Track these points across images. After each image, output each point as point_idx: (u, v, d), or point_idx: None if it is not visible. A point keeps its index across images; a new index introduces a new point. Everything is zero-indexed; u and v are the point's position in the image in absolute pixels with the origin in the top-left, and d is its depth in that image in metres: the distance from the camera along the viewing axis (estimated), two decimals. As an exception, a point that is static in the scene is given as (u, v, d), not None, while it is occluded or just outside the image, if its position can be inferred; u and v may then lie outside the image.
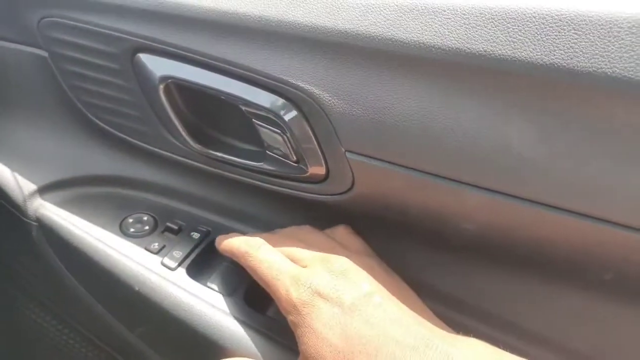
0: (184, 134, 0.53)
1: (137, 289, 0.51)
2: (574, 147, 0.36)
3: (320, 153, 0.47)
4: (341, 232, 0.50)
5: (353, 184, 0.47)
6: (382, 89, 0.41)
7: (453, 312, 0.49)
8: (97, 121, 0.60)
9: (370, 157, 0.44)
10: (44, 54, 0.59)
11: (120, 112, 0.57)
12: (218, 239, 0.52)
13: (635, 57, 0.31)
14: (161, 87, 0.51)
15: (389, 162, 0.43)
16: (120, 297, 0.53)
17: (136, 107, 0.55)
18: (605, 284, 0.43)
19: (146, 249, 0.54)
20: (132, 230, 0.57)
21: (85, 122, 0.62)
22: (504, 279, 0.48)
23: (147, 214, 0.59)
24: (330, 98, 0.43)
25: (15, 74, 0.63)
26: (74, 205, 0.60)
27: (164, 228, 0.57)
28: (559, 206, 0.38)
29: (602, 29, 0.32)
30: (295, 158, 0.48)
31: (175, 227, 0.57)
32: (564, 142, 0.36)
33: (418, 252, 0.51)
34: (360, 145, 0.44)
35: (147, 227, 0.57)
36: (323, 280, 0.41)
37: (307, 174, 0.49)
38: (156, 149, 0.58)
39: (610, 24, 0.32)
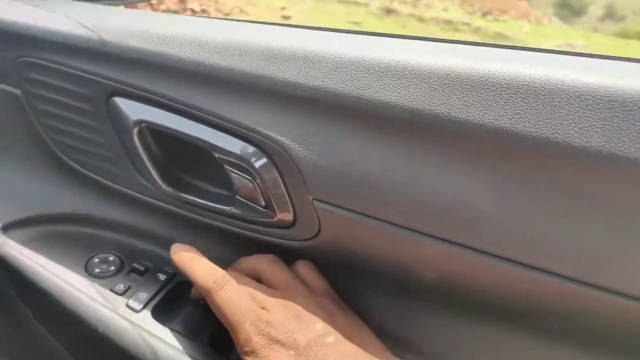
0: (155, 176, 0.54)
1: (101, 331, 0.50)
2: (523, 204, 0.39)
3: (288, 200, 0.49)
4: (303, 268, 0.52)
5: (319, 230, 0.49)
6: (349, 142, 0.44)
7: (412, 355, 0.51)
8: (67, 160, 0.60)
9: (337, 205, 0.46)
10: (17, 91, 0.60)
11: (92, 153, 0.58)
12: (178, 255, 0.50)
13: (573, 124, 0.35)
14: (135, 130, 0.52)
15: (355, 212, 0.46)
16: (84, 339, 0.53)
17: (108, 148, 0.56)
18: (554, 332, 0.45)
19: (111, 290, 0.54)
20: (97, 270, 0.56)
21: (55, 160, 0.62)
22: (462, 326, 0.50)
23: (113, 254, 0.59)
24: (299, 148, 0.45)
25: None
26: (39, 243, 0.59)
27: (129, 269, 0.57)
28: (510, 258, 0.41)
29: (545, 97, 0.36)
30: (264, 203, 0.50)
31: (142, 268, 0.57)
32: (514, 199, 0.39)
33: (380, 297, 0.53)
34: (327, 194, 0.46)
35: (112, 268, 0.57)
36: (280, 325, 0.44)
37: (275, 219, 0.50)
38: (126, 190, 0.58)
39: (552, 93, 0.36)
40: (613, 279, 0.38)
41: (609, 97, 0.34)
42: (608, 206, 0.37)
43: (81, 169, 0.61)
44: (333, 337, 0.43)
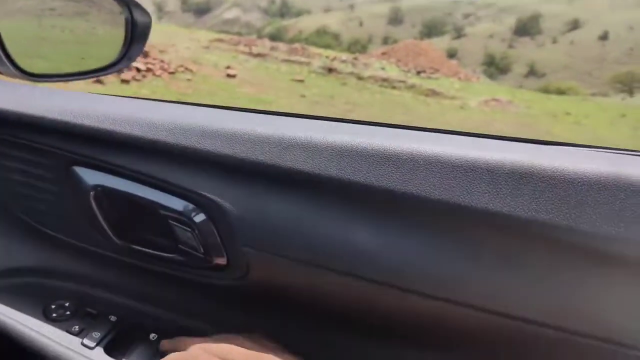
0: (108, 231, 0.64)
1: None
2: (402, 242, 0.52)
3: (222, 247, 0.60)
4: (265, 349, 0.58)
5: (248, 271, 0.60)
6: (270, 200, 0.56)
7: None
8: (28, 219, 0.69)
9: (261, 250, 0.58)
10: None
11: (51, 213, 0.67)
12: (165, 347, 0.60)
13: (489, 195, 0.48)
14: (92, 193, 0.62)
15: (275, 254, 0.58)
16: None
17: (66, 209, 0.66)
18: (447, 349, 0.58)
19: (67, 331, 0.62)
20: (54, 315, 0.64)
21: (15, 220, 0.70)
22: (380, 350, 0.61)
23: (69, 300, 0.67)
24: (230, 205, 0.57)
25: None
26: (0, 295, 0.66)
27: (84, 313, 0.65)
28: (399, 286, 0.54)
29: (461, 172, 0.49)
30: (202, 251, 0.61)
31: (94, 312, 0.65)
32: (408, 245, 0.52)
33: (303, 329, 0.64)
34: (253, 241, 0.58)
35: (68, 312, 0.65)
36: None
37: (212, 263, 0.61)
38: (81, 244, 0.67)
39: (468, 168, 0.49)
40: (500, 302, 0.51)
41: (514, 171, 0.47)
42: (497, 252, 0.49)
43: (40, 227, 0.69)
44: None
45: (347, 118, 0.64)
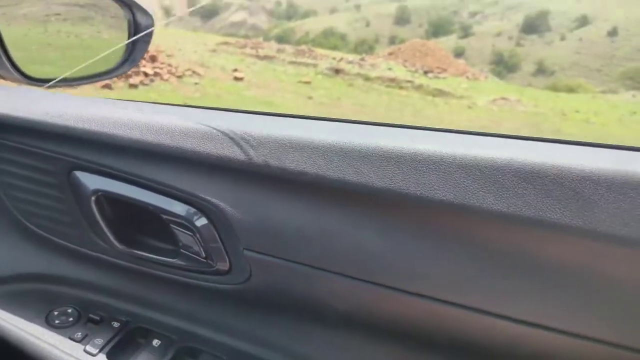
0: (110, 236, 0.64)
1: None
2: (407, 246, 0.51)
3: (224, 251, 0.59)
4: None
5: (250, 275, 0.59)
6: (271, 203, 0.55)
7: None
8: (30, 225, 0.69)
9: (263, 253, 0.57)
10: None
11: (53, 218, 0.67)
12: None
13: (495, 196, 0.47)
14: (93, 198, 0.62)
15: (277, 257, 0.57)
16: None
17: (68, 214, 0.65)
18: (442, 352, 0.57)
19: (70, 338, 0.61)
20: (57, 322, 0.64)
21: (18, 226, 0.70)
22: (384, 353, 0.60)
23: (71, 306, 0.66)
24: (231, 209, 0.57)
25: None
26: (2, 300, 0.66)
27: (86, 319, 0.65)
28: (397, 287, 0.53)
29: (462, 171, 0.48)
30: (204, 255, 0.60)
31: (97, 318, 0.65)
32: (400, 243, 0.51)
33: (301, 327, 0.63)
34: (255, 244, 0.57)
35: (71, 319, 0.64)
36: None
37: (213, 268, 0.60)
38: (83, 249, 0.67)
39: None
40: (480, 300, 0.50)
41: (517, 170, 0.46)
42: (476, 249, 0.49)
43: (42, 233, 0.69)
44: None
45: (350, 119, 0.63)
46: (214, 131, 0.57)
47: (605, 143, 0.54)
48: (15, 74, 0.71)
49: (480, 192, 0.46)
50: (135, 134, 0.59)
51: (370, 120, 0.63)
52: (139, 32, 0.80)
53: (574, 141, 0.56)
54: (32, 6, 0.91)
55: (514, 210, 0.45)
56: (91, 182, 0.62)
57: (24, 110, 0.64)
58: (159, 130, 0.58)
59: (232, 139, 0.56)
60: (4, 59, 0.71)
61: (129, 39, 0.80)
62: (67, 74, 0.80)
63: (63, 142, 0.62)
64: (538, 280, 0.47)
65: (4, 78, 0.73)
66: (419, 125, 0.61)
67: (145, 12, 0.81)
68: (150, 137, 0.58)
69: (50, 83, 0.73)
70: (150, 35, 0.81)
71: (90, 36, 0.97)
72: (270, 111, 0.66)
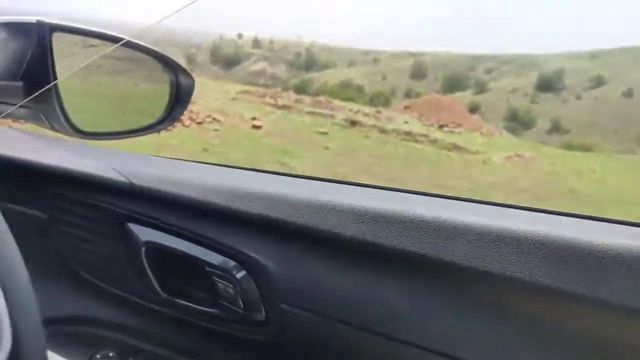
0: (156, 285, 0.69)
1: None
2: (435, 311, 0.55)
3: (261, 303, 0.63)
4: None
5: (285, 328, 0.63)
6: (312, 262, 0.60)
7: None
8: (80, 271, 0.74)
9: (301, 308, 0.62)
10: (44, 215, 0.75)
11: (103, 265, 0.72)
12: None
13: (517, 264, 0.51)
14: (143, 249, 0.67)
15: (314, 313, 0.61)
16: None
17: (118, 262, 0.71)
18: None
19: None
20: None
21: (64, 269, 0.76)
22: None
23: (113, 351, 0.71)
24: (271, 263, 0.62)
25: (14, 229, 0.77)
26: (48, 342, 0.70)
27: None
28: (427, 347, 0.56)
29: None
30: (242, 306, 0.65)
31: None
32: (443, 310, 0.55)
33: None
34: (293, 299, 0.62)
35: None
36: None
37: (251, 319, 0.65)
38: (129, 296, 0.72)
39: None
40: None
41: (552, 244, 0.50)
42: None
43: (90, 278, 0.74)
44: None
45: (381, 185, 0.68)
46: (259, 192, 0.63)
47: (616, 219, 0.58)
48: (67, 127, 0.78)
49: (504, 262, 0.51)
50: (187, 192, 0.65)
51: (399, 188, 0.68)
52: (180, 92, 0.86)
53: (587, 216, 0.60)
54: (73, 57, 0.99)
55: (534, 278, 0.50)
56: (143, 234, 0.68)
57: (82, 164, 0.71)
58: (208, 189, 0.65)
59: (275, 200, 0.62)
60: (59, 111, 0.78)
61: (170, 97, 0.86)
62: (110, 129, 0.86)
63: (120, 196, 0.69)
64: (557, 347, 0.51)
65: (55, 130, 0.80)
66: (445, 194, 0.66)
67: (187, 74, 0.89)
68: (201, 196, 0.64)
69: (94, 137, 0.80)
70: (190, 95, 0.87)
71: (128, 87, 1.04)
72: (308, 175, 0.72)
